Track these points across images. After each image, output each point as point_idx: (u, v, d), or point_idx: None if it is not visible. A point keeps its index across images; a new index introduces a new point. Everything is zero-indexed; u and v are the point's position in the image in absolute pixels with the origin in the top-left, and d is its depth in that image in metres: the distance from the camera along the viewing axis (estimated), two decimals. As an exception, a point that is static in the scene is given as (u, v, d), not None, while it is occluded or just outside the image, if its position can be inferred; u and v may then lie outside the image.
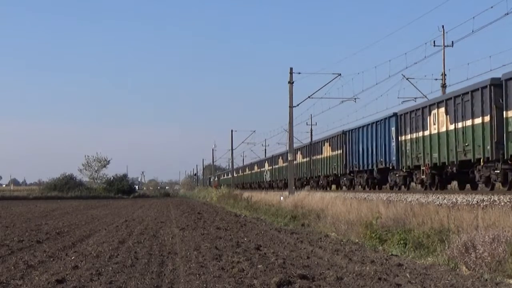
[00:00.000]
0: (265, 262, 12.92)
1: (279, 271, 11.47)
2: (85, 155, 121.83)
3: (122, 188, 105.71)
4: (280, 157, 66.53)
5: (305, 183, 54.36)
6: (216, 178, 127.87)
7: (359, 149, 38.10)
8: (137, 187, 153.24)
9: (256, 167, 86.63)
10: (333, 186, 46.28)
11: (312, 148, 51.27)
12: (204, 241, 17.92)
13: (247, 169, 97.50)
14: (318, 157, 48.55)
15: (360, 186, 39.15)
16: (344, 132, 41.62)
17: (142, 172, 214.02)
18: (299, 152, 55.87)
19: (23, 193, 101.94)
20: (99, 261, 13.36)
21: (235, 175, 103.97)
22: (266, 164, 76.48)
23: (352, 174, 40.42)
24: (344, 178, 41.97)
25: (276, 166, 68.32)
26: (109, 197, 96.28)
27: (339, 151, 42.35)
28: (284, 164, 60.17)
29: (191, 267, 12.28)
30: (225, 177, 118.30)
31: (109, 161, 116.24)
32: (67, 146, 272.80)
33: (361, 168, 37.99)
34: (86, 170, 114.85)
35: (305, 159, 53.75)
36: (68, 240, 18.94)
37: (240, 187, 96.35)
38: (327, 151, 45.91)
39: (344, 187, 43.33)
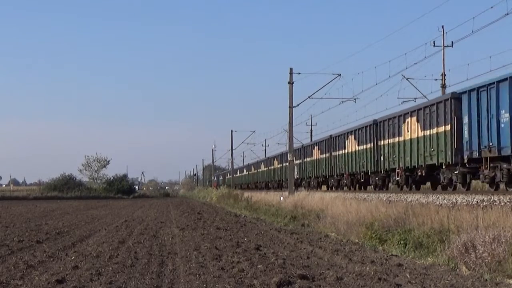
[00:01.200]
0: (265, 262, 12.92)
1: (279, 271, 11.47)
2: (85, 155, 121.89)
3: (122, 188, 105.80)
4: (316, 147, 50.66)
5: (362, 180, 39.39)
6: (221, 177, 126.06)
7: (499, 119, 22.33)
8: (137, 187, 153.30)
9: (275, 162, 69.90)
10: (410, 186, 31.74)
11: (378, 129, 35.94)
12: (204, 241, 17.92)
13: (262, 165, 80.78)
14: (391, 141, 33.60)
15: (490, 185, 23.89)
16: (455, 97, 26.04)
17: (142, 172, 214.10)
18: (351, 137, 40.83)
19: (23, 193, 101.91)
20: (99, 261, 13.36)
21: (245, 172, 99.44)
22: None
23: (471, 165, 24.97)
24: (455, 172, 26.41)
25: (309, 159, 52.64)
26: (109, 197, 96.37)
27: (441, 128, 27.28)
28: (324, 156, 47.62)
29: (191, 267, 12.28)
30: (230, 176, 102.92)
31: (109, 161, 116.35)
32: (67, 146, 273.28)
33: (504, 152, 22.14)
34: (86, 170, 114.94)
35: (362, 147, 38.35)
36: (68, 240, 18.95)
37: (252, 187, 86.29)
38: (412, 131, 30.74)
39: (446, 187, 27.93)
